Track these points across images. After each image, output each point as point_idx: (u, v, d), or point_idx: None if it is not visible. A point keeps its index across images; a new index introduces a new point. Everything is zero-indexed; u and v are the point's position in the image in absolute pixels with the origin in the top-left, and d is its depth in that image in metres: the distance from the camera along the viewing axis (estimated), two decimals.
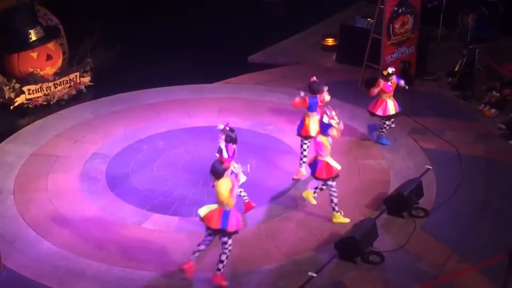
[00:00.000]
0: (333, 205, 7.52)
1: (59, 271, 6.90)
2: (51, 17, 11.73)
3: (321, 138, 7.28)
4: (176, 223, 7.69)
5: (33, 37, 11.01)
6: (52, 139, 9.84)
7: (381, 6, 10.77)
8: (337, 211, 7.57)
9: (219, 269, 6.43)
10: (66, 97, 11.25)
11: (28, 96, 10.88)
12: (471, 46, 11.30)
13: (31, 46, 11.04)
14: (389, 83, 8.97)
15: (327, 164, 7.35)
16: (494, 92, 10.51)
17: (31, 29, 10.99)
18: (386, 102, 9.01)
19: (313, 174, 7.47)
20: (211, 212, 6.21)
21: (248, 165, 6.38)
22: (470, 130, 9.93)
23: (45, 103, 11.04)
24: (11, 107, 10.80)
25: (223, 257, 6.36)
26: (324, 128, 7.23)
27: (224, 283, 6.49)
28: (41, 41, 11.11)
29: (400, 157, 9.13)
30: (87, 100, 11.32)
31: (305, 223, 7.70)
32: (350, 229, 7.12)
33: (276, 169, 8.63)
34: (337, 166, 7.41)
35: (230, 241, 6.29)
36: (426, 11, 12.27)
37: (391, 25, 10.72)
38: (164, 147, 9.47)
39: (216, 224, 6.17)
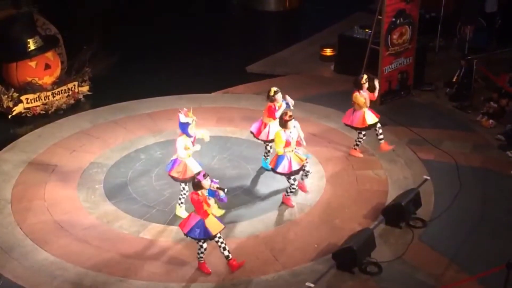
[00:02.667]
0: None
1: (56, 281, 6.87)
2: (50, 27, 11.75)
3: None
4: (174, 233, 7.66)
5: (31, 46, 11.03)
6: (50, 148, 9.83)
7: (379, 17, 10.82)
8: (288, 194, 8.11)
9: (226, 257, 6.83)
10: (64, 106, 11.26)
11: (26, 105, 10.89)
12: (469, 57, 11.34)
13: (29, 55, 11.05)
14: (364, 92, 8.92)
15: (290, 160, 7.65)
16: (491, 103, 10.54)
17: (30, 38, 11.01)
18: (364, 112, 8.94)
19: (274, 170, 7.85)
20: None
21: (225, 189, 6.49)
22: (468, 141, 9.94)
23: (43, 112, 11.05)
24: (9, 116, 10.81)
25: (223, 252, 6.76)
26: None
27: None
28: (39, 50, 11.13)
29: (398, 167, 9.13)
30: (85, 109, 11.33)
31: (303, 233, 7.69)
32: (348, 239, 7.10)
33: (273, 180, 8.63)
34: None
35: (201, 244, 6.65)
36: (424, 22, 12.33)
37: (389, 36, 10.77)
38: (162, 157, 9.46)
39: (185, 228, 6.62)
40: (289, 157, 7.67)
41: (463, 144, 9.81)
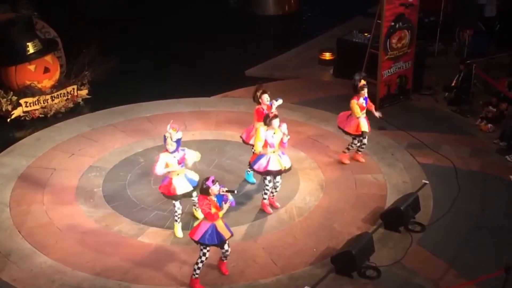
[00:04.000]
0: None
1: (54, 284, 6.86)
2: (49, 30, 11.76)
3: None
4: (173, 236, 7.66)
5: (30, 49, 11.03)
6: (48, 152, 9.82)
7: (378, 21, 10.83)
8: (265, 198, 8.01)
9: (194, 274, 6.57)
10: (63, 109, 11.26)
11: (25, 109, 10.89)
12: (467, 61, 11.36)
13: (28, 58, 11.05)
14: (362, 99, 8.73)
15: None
16: (490, 107, 10.55)
17: (29, 41, 11.01)
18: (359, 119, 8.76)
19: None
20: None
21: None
22: (467, 145, 9.95)
23: (42, 115, 11.05)
24: (8, 120, 10.80)
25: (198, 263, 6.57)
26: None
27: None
28: (38, 53, 11.13)
29: (397, 172, 9.13)
30: (84, 113, 11.33)
31: (301, 237, 7.68)
32: (347, 244, 7.10)
33: None
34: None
35: (203, 251, 6.48)
36: (423, 26, 12.35)
37: (388, 40, 10.78)
38: None
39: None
40: (268, 157, 7.55)
41: (462, 149, 9.81)
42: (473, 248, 7.40)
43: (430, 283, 6.78)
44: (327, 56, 13.36)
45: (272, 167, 7.58)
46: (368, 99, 8.82)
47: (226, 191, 6.27)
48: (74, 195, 8.63)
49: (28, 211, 8.27)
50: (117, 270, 7.08)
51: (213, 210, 6.25)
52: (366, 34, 12.13)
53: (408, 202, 7.81)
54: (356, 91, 8.68)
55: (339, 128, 9.16)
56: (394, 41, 10.87)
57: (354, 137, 8.97)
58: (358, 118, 8.68)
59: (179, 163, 7.15)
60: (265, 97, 8.05)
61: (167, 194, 7.22)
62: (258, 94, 8.14)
